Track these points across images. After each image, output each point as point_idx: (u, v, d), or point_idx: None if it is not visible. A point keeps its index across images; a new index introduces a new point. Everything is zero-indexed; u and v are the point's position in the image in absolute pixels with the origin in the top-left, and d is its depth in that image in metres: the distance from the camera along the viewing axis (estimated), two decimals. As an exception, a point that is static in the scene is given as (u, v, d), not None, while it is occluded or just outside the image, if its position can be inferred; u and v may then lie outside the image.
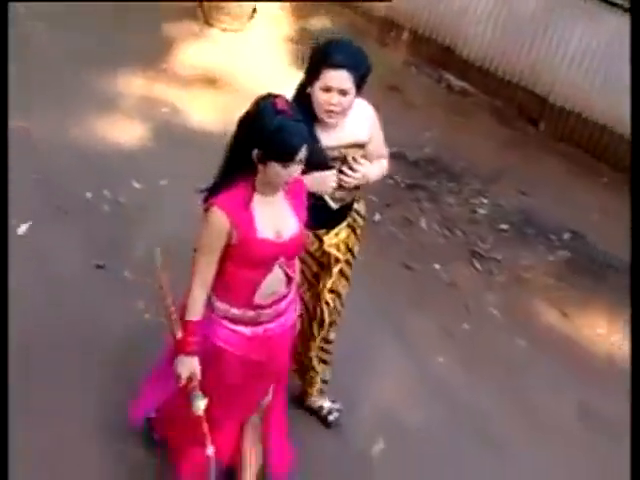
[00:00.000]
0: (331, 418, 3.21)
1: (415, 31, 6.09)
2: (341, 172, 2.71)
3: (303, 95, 2.61)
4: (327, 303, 2.98)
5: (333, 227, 2.89)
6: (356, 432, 3.10)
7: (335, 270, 2.95)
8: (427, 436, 3.16)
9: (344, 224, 2.92)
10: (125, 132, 4.57)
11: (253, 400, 2.68)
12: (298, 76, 5.50)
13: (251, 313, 2.48)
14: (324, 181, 2.67)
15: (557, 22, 5.22)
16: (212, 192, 2.37)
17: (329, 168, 2.67)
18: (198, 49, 5.76)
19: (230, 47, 5.92)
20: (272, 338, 2.57)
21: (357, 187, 2.84)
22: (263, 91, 5.95)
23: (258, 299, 2.45)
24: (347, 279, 3.02)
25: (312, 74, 2.58)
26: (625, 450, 2.99)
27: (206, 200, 2.38)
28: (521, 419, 3.33)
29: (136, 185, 4.12)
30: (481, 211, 4.60)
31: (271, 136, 2.21)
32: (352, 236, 2.97)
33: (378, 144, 2.86)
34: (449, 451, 3.11)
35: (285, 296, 2.54)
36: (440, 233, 4.43)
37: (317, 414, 3.21)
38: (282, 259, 2.43)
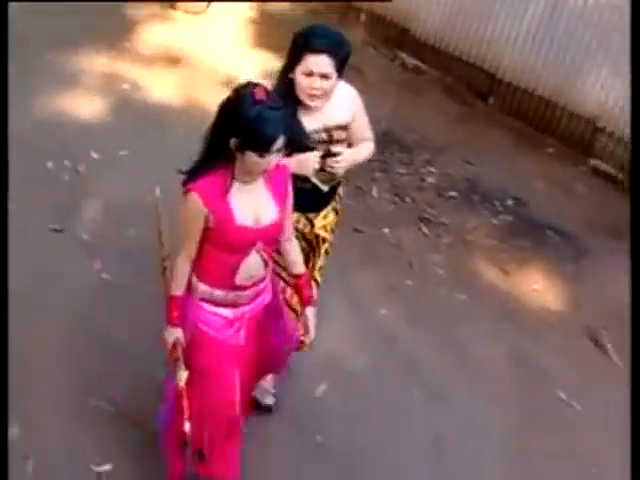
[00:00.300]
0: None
1: (372, 13, 6.17)
2: (325, 157, 2.71)
3: (286, 80, 2.64)
4: (316, 281, 3.03)
5: (322, 209, 2.93)
6: (302, 375, 3.20)
7: (322, 250, 3.02)
8: (369, 380, 3.27)
9: (330, 207, 2.97)
10: (86, 106, 4.63)
11: (231, 392, 2.65)
12: (257, 56, 5.56)
13: (231, 295, 2.50)
14: (306, 163, 2.67)
15: (504, 2, 5.30)
16: (191, 176, 2.36)
17: (311, 150, 2.68)
18: (160, 30, 5.82)
19: (192, 28, 5.99)
20: (250, 320, 2.58)
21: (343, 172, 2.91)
22: (223, 70, 6.11)
23: (239, 281, 2.47)
24: (327, 255, 3.09)
25: (294, 59, 2.60)
26: (552, 392, 3.38)
27: (185, 183, 2.37)
28: (459, 367, 3.46)
29: (94, 155, 4.19)
30: (430, 180, 4.72)
31: (248, 126, 2.20)
32: (335, 218, 3.04)
33: (362, 126, 2.87)
34: (390, 395, 3.23)
35: (263, 279, 2.55)
36: (390, 200, 4.55)
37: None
38: (260, 244, 2.43)
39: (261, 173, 2.33)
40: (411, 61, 5.98)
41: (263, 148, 2.20)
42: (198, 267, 2.45)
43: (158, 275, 2.55)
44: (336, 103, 2.73)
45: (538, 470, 3.03)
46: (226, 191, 2.33)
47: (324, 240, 2.99)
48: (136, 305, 3.29)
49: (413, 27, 5.99)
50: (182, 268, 2.42)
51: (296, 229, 2.86)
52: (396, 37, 6.11)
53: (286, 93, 2.58)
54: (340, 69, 2.60)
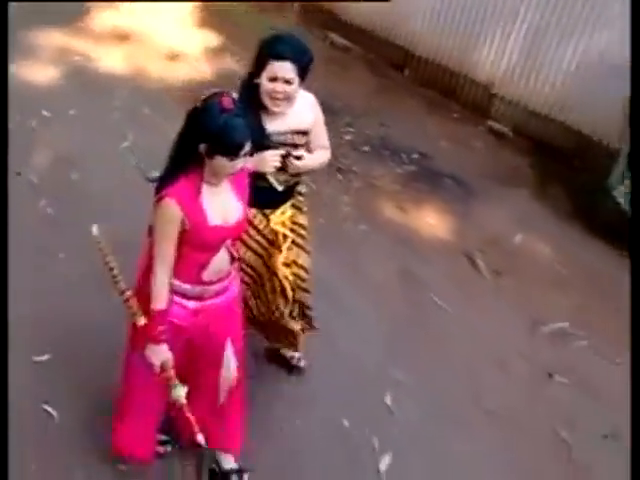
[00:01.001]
0: (301, 364, 3.34)
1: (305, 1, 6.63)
2: (285, 157, 2.73)
3: (251, 85, 2.65)
4: (286, 277, 3.00)
5: (278, 206, 2.94)
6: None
7: (285, 246, 2.99)
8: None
9: (289, 204, 2.98)
10: (40, 74, 4.95)
11: (194, 368, 2.66)
12: (199, 35, 5.85)
13: (198, 289, 2.50)
14: (266, 161, 2.69)
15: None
16: (163, 183, 2.36)
17: (269, 148, 2.71)
18: (112, 13, 6.13)
19: (141, 12, 6.28)
20: (215, 312, 2.60)
21: (299, 174, 2.90)
22: (167, 46, 6.49)
23: (207, 277, 2.48)
24: (305, 251, 3.06)
25: (259, 65, 2.62)
26: (429, 298, 3.77)
27: (158, 191, 2.36)
28: (356, 283, 3.79)
29: (46, 114, 4.52)
30: (348, 137, 5.09)
31: (217, 133, 2.22)
32: (298, 214, 3.03)
33: (321, 134, 2.88)
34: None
35: (229, 274, 2.58)
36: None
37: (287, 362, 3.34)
38: (228, 241, 2.49)
39: (227, 176, 2.38)
40: (340, 41, 6.33)
41: (232, 153, 2.23)
42: (174, 266, 2.50)
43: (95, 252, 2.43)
44: (298, 109, 2.75)
45: (414, 351, 3.44)
46: (198, 194, 2.34)
47: (285, 236, 2.97)
48: (73, 234, 3.51)
49: (341, 12, 6.33)
50: (163, 281, 2.38)
51: (252, 225, 2.90)
52: (326, 21, 6.43)
53: (251, 97, 2.61)
54: (302, 75, 2.63)
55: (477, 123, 5.54)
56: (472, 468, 3.00)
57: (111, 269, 2.40)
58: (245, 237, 2.88)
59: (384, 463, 2.98)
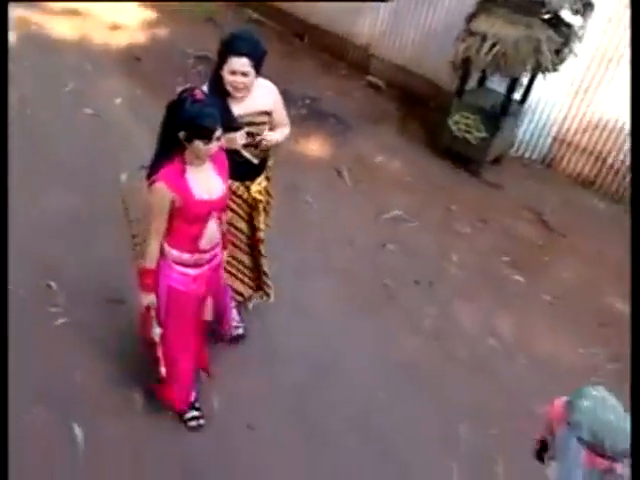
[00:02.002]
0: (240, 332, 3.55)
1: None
2: (251, 135, 2.91)
3: (218, 76, 2.83)
4: (260, 236, 3.29)
5: (256, 178, 3.14)
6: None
7: (261, 208, 3.22)
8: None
9: (263, 176, 3.19)
10: (4, 38, 5.65)
11: (199, 322, 2.92)
12: (138, 11, 6.33)
13: (196, 256, 2.66)
14: (234, 139, 2.85)
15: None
16: (152, 169, 2.50)
17: (238, 129, 2.86)
18: None
19: None
20: (209, 275, 2.77)
21: (268, 148, 3.09)
22: (111, 19, 7.22)
23: (202, 246, 2.64)
24: (267, 214, 3.33)
25: (222, 60, 2.79)
26: (303, 199, 4.55)
27: (149, 176, 2.51)
28: None
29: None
30: None
31: (192, 121, 2.35)
32: (268, 183, 3.26)
33: (281, 115, 3.08)
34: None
35: (218, 244, 2.75)
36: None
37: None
38: (215, 213, 2.62)
39: (207, 157, 2.49)
40: (256, 17, 6.86)
41: (206, 136, 2.37)
42: (170, 238, 2.59)
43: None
44: (259, 94, 2.93)
45: (290, 235, 4.12)
46: (183, 175, 2.47)
47: (260, 201, 3.18)
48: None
49: None
50: (154, 248, 2.56)
51: (235, 194, 3.09)
52: (246, 1, 7.01)
53: (219, 87, 2.82)
54: (257, 67, 2.81)
55: (359, 78, 6.23)
56: (324, 303, 3.84)
57: (129, 220, 2.68)
58: (231, 204, 3.09)
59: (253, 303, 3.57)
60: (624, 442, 1.72)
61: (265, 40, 6.59)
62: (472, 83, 5.32)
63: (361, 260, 4.22)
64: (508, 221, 4.84)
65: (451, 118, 5.17)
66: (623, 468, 1.76)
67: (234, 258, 3.31)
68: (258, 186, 3.15)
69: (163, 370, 2.79)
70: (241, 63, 2.74)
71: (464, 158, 5.24)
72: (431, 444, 3.24)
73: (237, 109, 2.87)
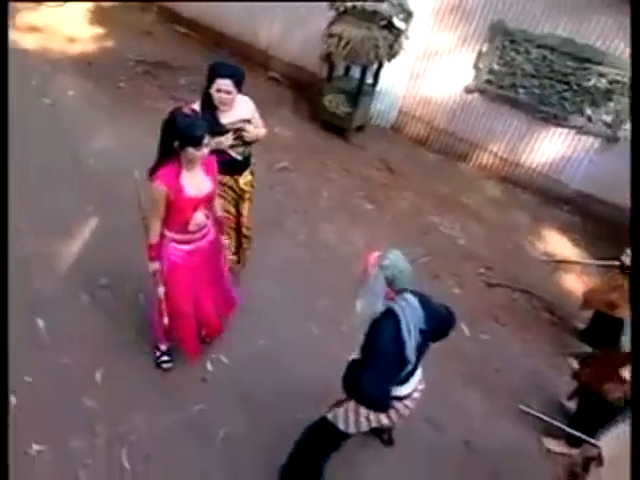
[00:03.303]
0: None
1: None
2: (239, 135, 3.09)
3: (207, 94, 2.97)
4: (246, 217, 3.47)
5: (243, 171, 3.29)
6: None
7: (246, 198, 3.37)
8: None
9: (248, 170, 3.33)
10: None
11: (199, 288, 3.00)
12: (91, 26, 6.58)
13: (187, 236, 2.79)
14: (222, 142, 3.03)
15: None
16: (153, 171, 2.60)
17: (224, 134, 3.03)
18: (31, 12, 6.97)
19: (50, 11, 7.14)
20: (202, 249, 2.87)
21: (250, 145, 3.22)
22: (68, 33, 7.43)
23: (191, 228, 2.77)
24: (251, 202, 3.50)
25: (210, 81, 2.94)
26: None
27: (151, 175, 2.62)
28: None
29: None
30: (181, 82, 6.20)
31: (185, 132, 2.44)
32: (252, 177, 3.40)
33: (257, 121, 3.24)
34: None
35: (206, 225, 2.86)
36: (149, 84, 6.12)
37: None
38: (202, 206, 2.74)
39: (198, 161, 2.57)
40: (186, 31, 7.21)
41: (197, 143, 2.46)
42: (167, 223, 2.72)
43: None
44: (240, 106, 3.10)
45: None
46: (179, 175, 2.56)
47: (246, 192, 3.35)
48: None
49: (180, 10, 7.26)
50: (156, 228, 2.70)
51: (227, 185, 3.24)
52: (171, 15, 7.35)
53: (208, 102, 2.97)
54: (238, 86, 2.98)
55: (263, 74, 6.60)
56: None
57: (141, 207, 2.78)
58: (223, 193, 3.25)
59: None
60: (408, 284, 2.19)
61: (186, 44, 7.17)
62: (341, 72, 5.95)
63: (258, 198, 4.63)
64: (365, 169, 5.53)
65: (325, 98, 5.82)
66: (401, 300, 2.17)
67: (226, 235, 3.41)
68: (245, 179, 3.32)
69: (166, 320, 2.93)
70: (225, 83, 2.91)
71: (336, 127, 5.87)
72: (298, 314, 3.75)
73: (224, 119, 3.03)
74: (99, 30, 7.04)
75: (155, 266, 2.80)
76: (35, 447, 2.76)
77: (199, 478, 2.83)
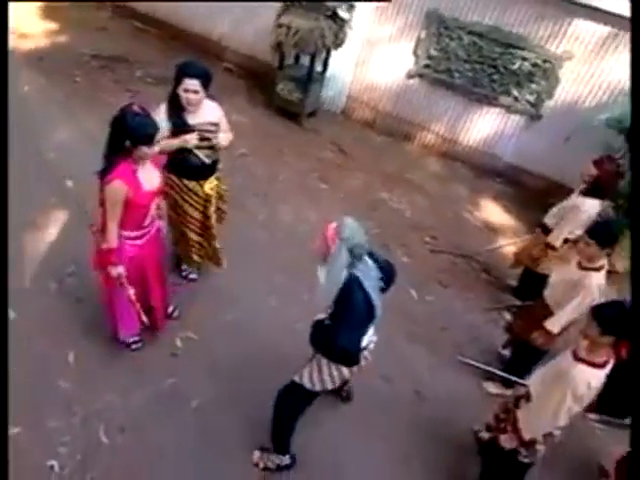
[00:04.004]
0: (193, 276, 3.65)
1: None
2: (203, 138, 2.92)
3: (175, 94, 2.83)
4: (212, 223, 3.33)
5: (208, 178, 3.13)
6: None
7: (213, 202, 3.23)
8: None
9: (214, 176, 3.17)
10: None
11: (148, 276, 2.88)
12: (43, 22, 6.17)
13: (141, 232, 2.68)
14: (187, 139, 2.88)
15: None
16: (106, 170, 2.42)
17: (190, 133, 2.88)
18: None
19: None
20: (151, 239, 2.77)
21: (217, 151, 3.06)
22: (21, 30, 6.90)
23: (146, 223, 2.66)
24: (224, 202, 3.39)
25: (178, 82, 2.79)
26: None
27: (102, 176, 2.42)
28: None
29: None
30: (138, 74, 5.93)
31: (136, 131, 2.31)
32: (219, 182, 3.26)
33: (225, 125, 3.11)
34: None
35: (154, 218, 2.77)
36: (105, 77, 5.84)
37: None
38: (155, 199, 2.65)
39: (149, 158, 2.47)
40: (141, 26, 6.83)
41: (148, 142, 2.35)
42: (123, 222, 2.55)
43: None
44: (208, 109, 2.97)
45: None
46: (135, 172, 2.43)
47: (212, 196, 3.20)
48: None
49: (137, 6, 6.89)
50: (114, 231, 2.52)
51: (192, 191, 3.10)
52: (127, 12, 6.94)
53: (176, 102, 2.82)
54: (205, 86, 2.82)
55: (219, 65, 6.23)
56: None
57: (85, 212, 2.80)
58: (189, 200, 3.14)
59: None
60: (365, 248, 2.19)
61: (145, 39, 6.83)
62: (292, 60, 5.76)
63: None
64: (319, 152, 5.47)
65: (278, 86, 5.70)
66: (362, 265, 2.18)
67: (190, 239, 3.34)
68: (210, 184, 3.16)
69: (145, 318, 2.81)
70: (193, 83, 2.76)
71: (290, 113, 5.76)
72: (260, 290, 3.71)
73: (191, 120, 2.88)
74: (51, 26, 6.55)
75: (119, 270, 2.61)
76: (13, 430, 2.64)
77: (175, 446, 2.80)
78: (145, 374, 3.06)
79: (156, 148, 2.43)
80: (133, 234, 2.65)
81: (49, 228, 3.86)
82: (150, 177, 2.54)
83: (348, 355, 2.31)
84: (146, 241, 2.73)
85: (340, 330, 2.20)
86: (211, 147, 3.01)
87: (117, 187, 2.39)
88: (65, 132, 4.80)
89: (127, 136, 2.33)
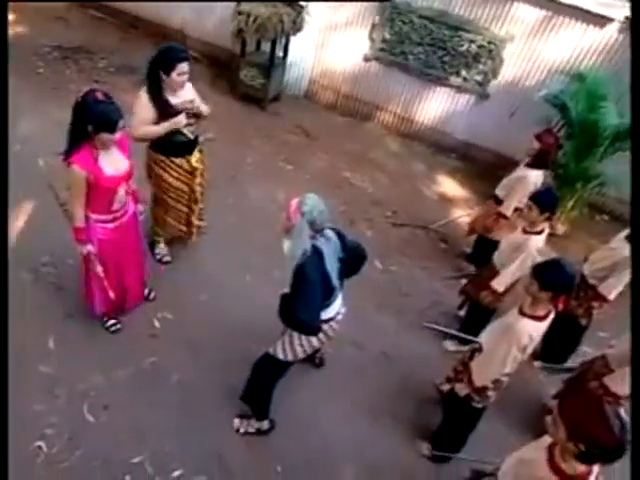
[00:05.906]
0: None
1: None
2: (190, 115, 2.93)
3: (157, 79, 2.76)
4: (199, 192, 3.31)
5: (193, 151, 3.13)
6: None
7: (198, 173, 3.21)
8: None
9: (197, 149, 3.18)
10: None
11: (123, 260, 2.82)
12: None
13: (111, 216, 2.59)
14: (179, 122, 2.87)
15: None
16: (67, 154, 2.34)
17: (177, 114, 2.87)
18: None
19: None
20: (125, 224, 2.70)
21: (198, 121, 3.04)
22: None
23: (114, 207, 2.57)
24: (203, 177, 3.31)
25: (169, 67, 2.72)
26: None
27: (65, 159, 2.34)
28: None
29: None
30: (100, 65, 5.67)
31: (99, 118, 2.20)
32: (201, 154, 3.25)
33: (197, 98, 3.10)
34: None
35: (127, 203, 2.67)
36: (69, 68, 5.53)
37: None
38: (123, 184, 2.52)
39: (112, 144, 2.37)
40: (100, 15, 6.44)
41: (112, 129, 2.25)
42: (90, 205, 2.48)
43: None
44: (186, 90, 2.99)
45: None
46: (96, 157, 2.34)
47: (198, 169, 3.19)
48: None
49: None
50: (79, 211, 2.46)
51: (179, 166, 3.09)
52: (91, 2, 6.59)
53: (158, 86, 2.79)
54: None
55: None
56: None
57: (56, 194, 2.56)
58: (174, 173, 3.11)
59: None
60: (326, 222, 2.18)
61: (107, 30, 6.51)
62: (253, 47, 5.59)
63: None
64: (284, 135, 5.38)
65: (241, 72, 5.54)
66: (322, 237, 2.17)
67: (178, 210, 3.35)
68: (195, 157, 3.17)
69: (112, 294, 2.75)
70: (185, 66, 2.78)
71: (254, 98, 5.63)
72: (233, 269, 3.70)
73: (174, 100, 2.88)
74: (9, 17, 6.00)
75: (88, 248, 2.58)
76: (-3, 416, 2.58)
77: (158, 419, 2.79)
78: (126, 354, 3.01)
79: (118, 134, 2.30)
80: (102, 217, 2.57)
81: (19, 221, 3.69)
82: (114, 161, 2.44)
83: (306, 325, 2.27)
84: (119, 224, 2.65)
85: (297, 301, 2.18)
86: (197, 116, 3.03)
87: (75, 171, 2.33)
88: (32, 123, 4.55)
89: (89, 122, 2.24)
